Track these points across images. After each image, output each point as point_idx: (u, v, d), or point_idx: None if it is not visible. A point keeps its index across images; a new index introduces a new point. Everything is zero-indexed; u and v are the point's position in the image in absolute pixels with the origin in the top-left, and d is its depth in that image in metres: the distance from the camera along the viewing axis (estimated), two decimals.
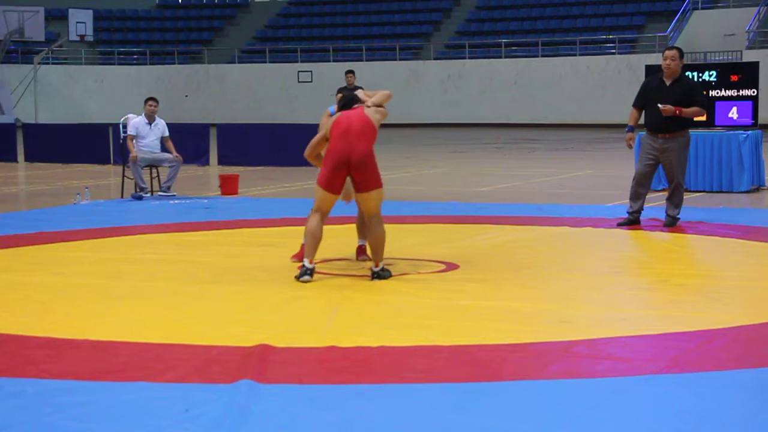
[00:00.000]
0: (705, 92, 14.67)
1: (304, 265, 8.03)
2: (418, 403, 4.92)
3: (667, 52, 10.95)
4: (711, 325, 6.40)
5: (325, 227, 8.20)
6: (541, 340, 6.10)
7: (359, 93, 8.51)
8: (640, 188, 11.04)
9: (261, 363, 5.53)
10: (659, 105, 10.75)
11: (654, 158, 10.97)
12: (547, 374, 5.39)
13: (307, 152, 8.56)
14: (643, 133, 11.31)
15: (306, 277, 7.94)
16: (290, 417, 4.71)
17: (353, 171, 8.03)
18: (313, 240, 8.08)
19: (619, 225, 10.97)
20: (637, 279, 8.31)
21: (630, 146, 11.14)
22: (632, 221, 11.01)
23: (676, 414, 4.73)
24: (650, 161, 11.01)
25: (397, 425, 4.63)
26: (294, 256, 8.94)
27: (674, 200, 10.92)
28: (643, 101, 11.06)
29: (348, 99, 8.43)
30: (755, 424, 4.64)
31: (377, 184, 8.12)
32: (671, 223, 10.86)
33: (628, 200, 11.24)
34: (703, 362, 5.61)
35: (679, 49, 11.07)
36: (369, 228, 8.18)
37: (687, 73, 14.72)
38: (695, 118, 11.27)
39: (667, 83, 10.90)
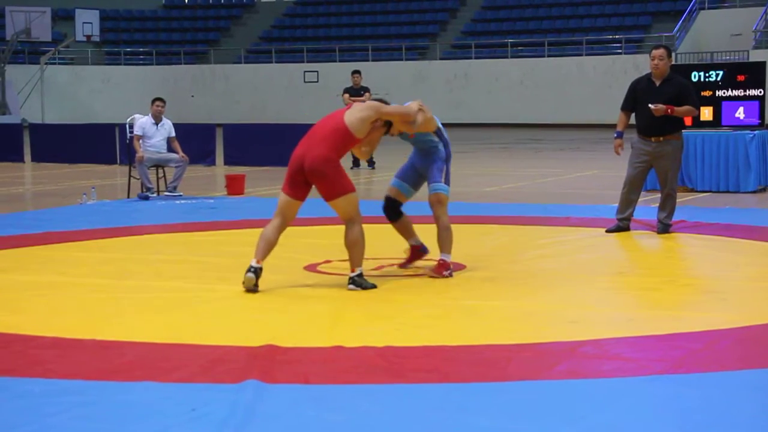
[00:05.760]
0: (711, 92, 14.67)
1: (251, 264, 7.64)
2: (424, 403, 4.91)
3: (654, 52, 10.51)
4: (717, 325, 6.39)
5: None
6: (547, 340, 6.10)
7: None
8: (631, 195, 10.64)
9: (267, 363, 5.53)
10: (650, 105, 10.33)
11: (646, 162, 10.58)
12: (554, 374, 5.38)
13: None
14: (634, 137, 10.77)
15: (250, 275, 7.55)
16: (296, 417, 4.71)
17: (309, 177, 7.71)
18: (264, 243, 7.68)
19: (608, 231, 10.61)
20: (643, 279, 8.29)
21: (618, 153, 10.75)
22: (621, 228, 10.62)
23: (682, 414, 4.72)
24: (642, 166, 10.61)
25: (403, 425, 4.63)
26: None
27: (667, 208, 10.53)
28: (633, 104, 10.65)
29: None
30: (762, 425, 4.64)
31: (344, 190, 7.70)
32: (665, 230, 10.46)
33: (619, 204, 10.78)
34: (710, 362, 5.61)
35: (667, 48, 10.71)
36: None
37: (693, 73, 14.75)
38: (686, 118, 10.72)
39: (657, 83, 10.51)
